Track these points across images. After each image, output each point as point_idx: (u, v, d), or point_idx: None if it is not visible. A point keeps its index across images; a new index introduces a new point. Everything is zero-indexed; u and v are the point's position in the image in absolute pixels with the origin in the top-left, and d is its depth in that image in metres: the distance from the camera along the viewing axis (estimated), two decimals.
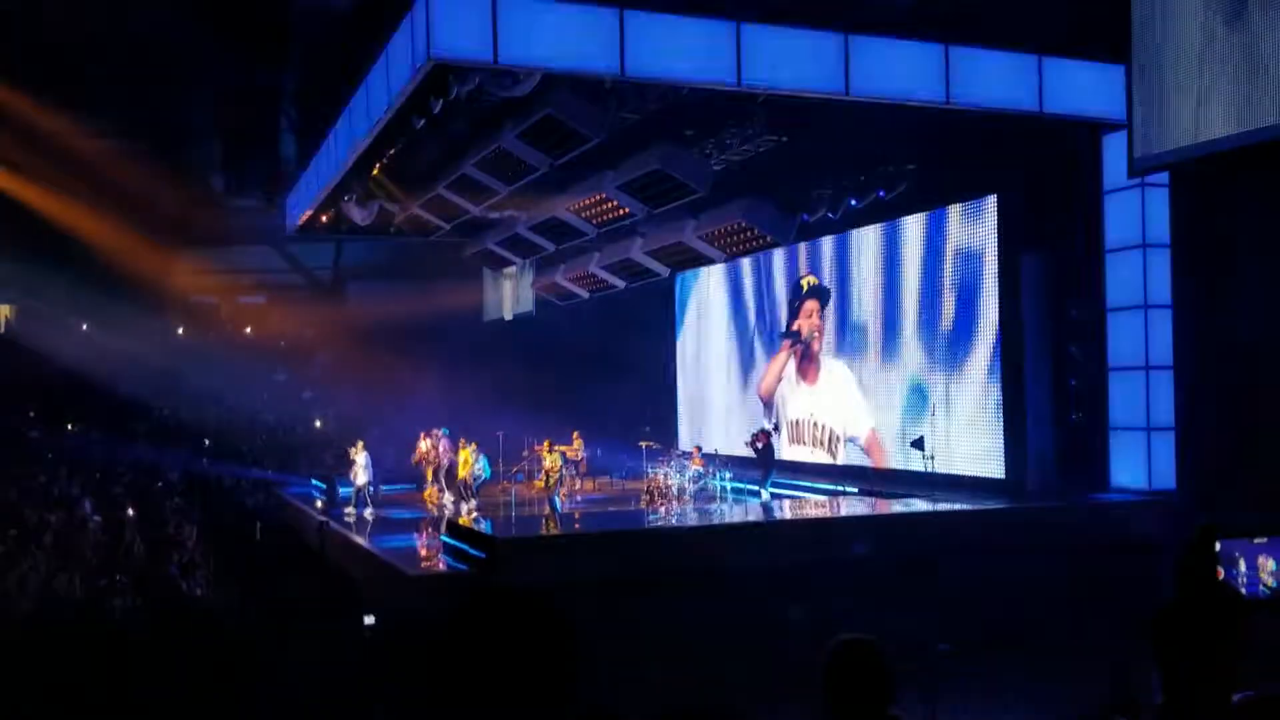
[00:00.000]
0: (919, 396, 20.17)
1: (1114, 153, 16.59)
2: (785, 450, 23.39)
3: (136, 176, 30.75)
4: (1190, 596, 1.33)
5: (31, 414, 32.03)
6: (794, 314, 24.03)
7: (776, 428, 22.89)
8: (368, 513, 20.73)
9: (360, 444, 22.07)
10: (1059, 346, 18.12)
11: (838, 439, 22.58)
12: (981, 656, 12.47)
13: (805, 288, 23.67)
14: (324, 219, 25.89)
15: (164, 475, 28.59)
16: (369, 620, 13.99)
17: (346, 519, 20.35)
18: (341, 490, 21.63)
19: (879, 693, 2.94)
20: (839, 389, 22.51)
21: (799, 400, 23.89)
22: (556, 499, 19.01)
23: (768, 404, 25.02)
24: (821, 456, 23.00)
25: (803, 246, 23.42)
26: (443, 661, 1.68)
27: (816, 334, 23.34)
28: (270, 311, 38.13)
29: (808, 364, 23.67)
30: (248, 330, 38.29)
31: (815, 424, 23.33)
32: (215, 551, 20.88)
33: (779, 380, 24.63)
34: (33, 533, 19.11)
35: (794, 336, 23.94)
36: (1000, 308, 18.38)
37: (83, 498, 24.59)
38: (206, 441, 31.52)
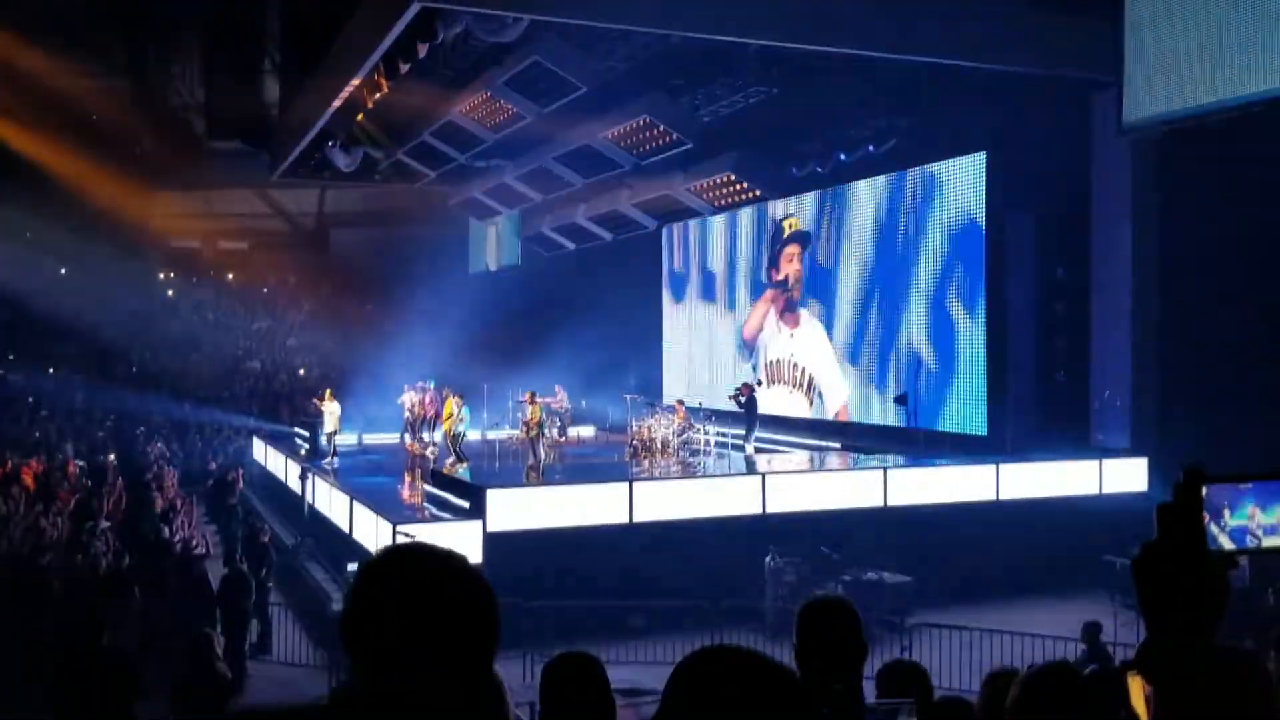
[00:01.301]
0: (904, 352, 20.23)
1: (1104, 112, 16.54)
2: (764, 390, 23.61)
3: (117, 117, 30.31)
4: (1174, 539, 1.34)
5: (11, 357, 31.79)
6: (775, 258, 24.12)
7: (760, 382, 22.96)
8: (326, 462, 20.74)
9: (328, 393, 22.04)
10: (1044, 305, 18.18)
11: (816, 385, 22.83)
12: (960, 609, 12.65)
13: (787, 230, 23.75)
14: (307, 164, 25.59)
15: (146, 420, 28.51)
16: (352, 567, 14.05)
17: (328, 467, 20.36)
18: (304, 439, 21.71)
19: (850, 654, 2.96)
20: (819, 336, 22.82)
21: (779, 342, 24.24)
22: (540, 450, 19.04)
23: (751, 347, 25.29)
24: (799, 399, 23.22)
25: (790, 200, 23.34)
26: (352, 626, 1.61)
27: (796, 279, 23.48)
28: (253, 257, 37.81)
29: (789, 311, 23.91)
30: (230, 276, 37.99)
31: (795, 365, 23.67)
32: (197, 497, 20.89)
33: (762, 326, 24.90)
34: (13, 475, 19.05)
35: (781, 286, 24.03)
36: (987, 264, 18.39)
37: (64, 441, 24.52)
38: (189, 387, 31.37)
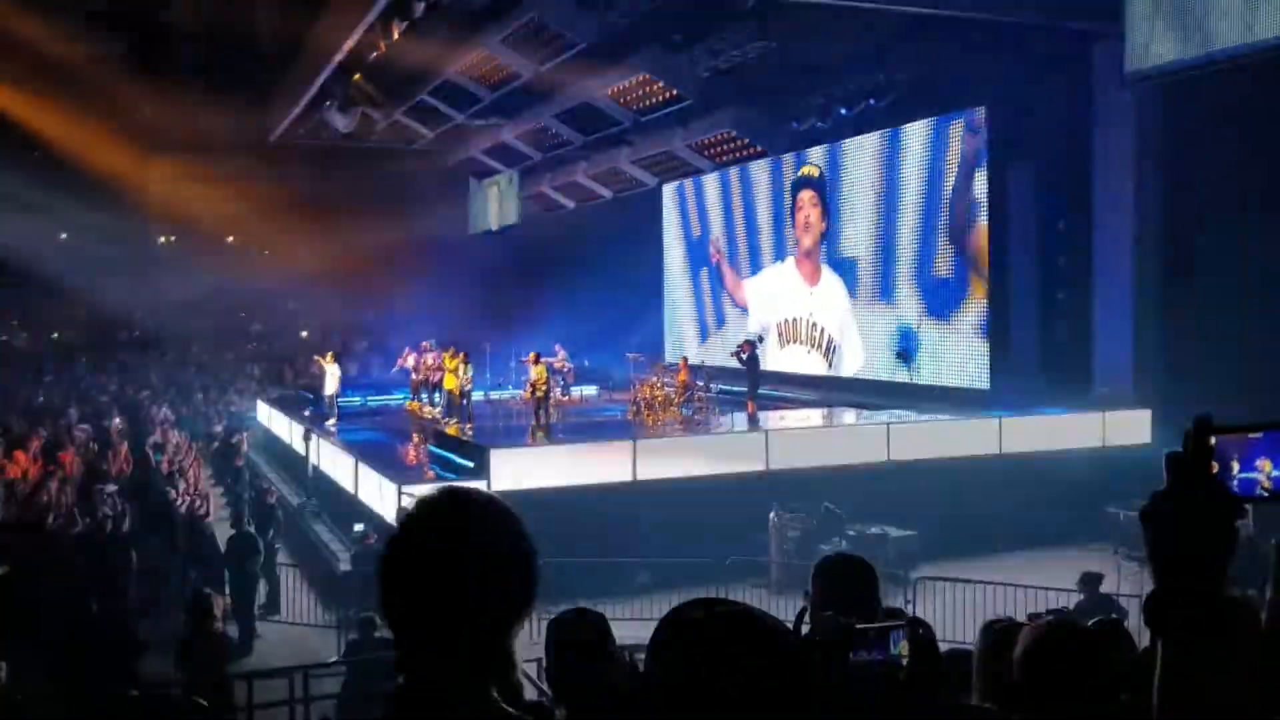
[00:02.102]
0: (906, 307, 20.19)
1: (1106, 63, 16.37)
2: (778, 350, 23.51)
3: (115, 81, 30.06)
4: (1182, 490, 1.33)
5: (15, 322, 31.82)
6: (792, 208, 23.72)
7: (761, 338, 22.91)
8: (331, 423, 20.76)
9: (330, 354, 22.06)
10: (1046, 257, 18.11)
11: (834, 346, 22.68)
12: (964, 563, 12.72)
13: (802, 175, 23.34)
14: (305, 126, 25.43)
15: (150, 384, 28.58)
16: (358, 527, 14.14)
17: (330, 428, 20.40)
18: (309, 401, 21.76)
19: (863, 609, 3.00)
20: (839, 294, 22.54)
21: (797, 299, 23.77)
22: (544, 410, 19.05)
23: (743, 308, 25.05)
24: (816, 359, 23.09)
25: (791, 156, 23.16)
26: (392, 573, 1.59)
27: (809, 225, 23.11)
28: (252, 220, 37.62)
29: (807, 262, 23.53)
30: (229, 239, 37.88)
31: (814, 324, 23.30)
32: (202, 460, 20.97)
33: (777, 282, 24.47)
34: (20, 440, 19.12)
35: (795, 243, 23.85)
36: (989, 217, 18.30)
37: (68, 406, 24.58)
38: (192, 350, 31.42)
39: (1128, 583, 10.61)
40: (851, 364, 22.02)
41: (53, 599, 10.62)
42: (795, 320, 23.76)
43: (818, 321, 23.09)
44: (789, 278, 23.99)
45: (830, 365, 22.67)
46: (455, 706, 1.54)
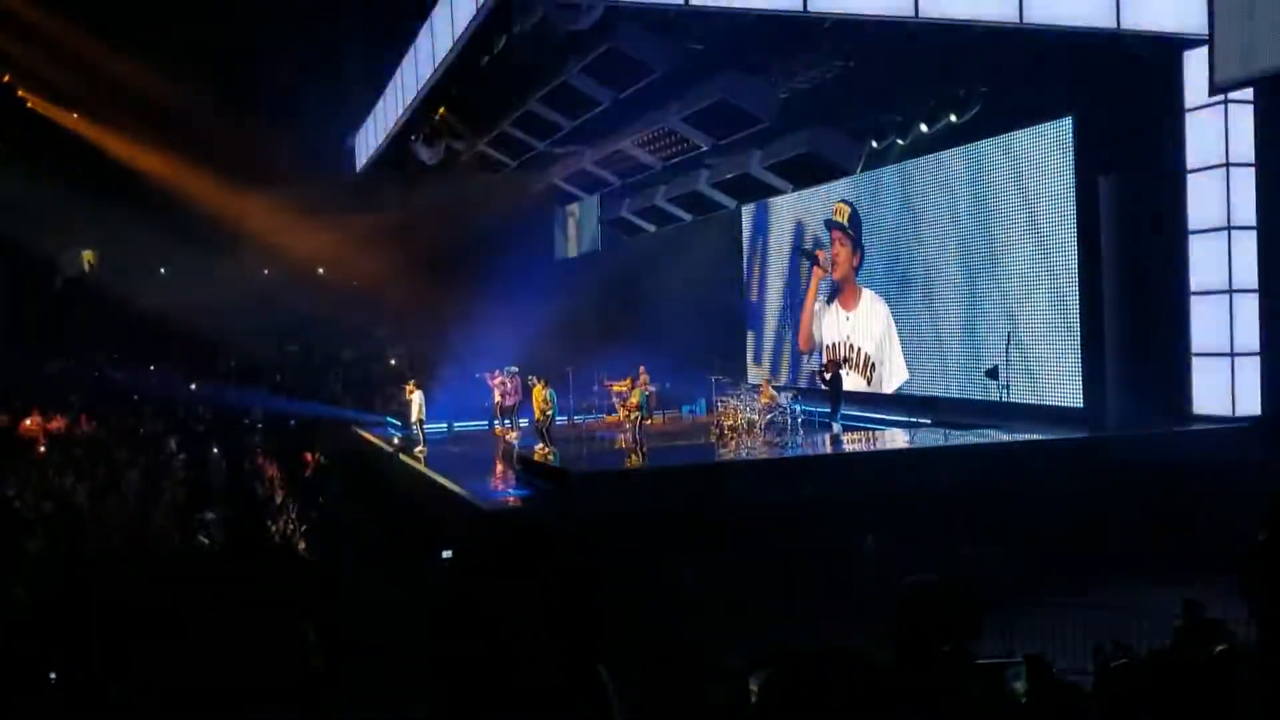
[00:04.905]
0: (994, 324, 19.84)
1: (1195, 69, 15.96)
2: (848, 373, 23.65)
3: (208, 119, 31.19)
4: None
5: (116, 355, 33.01)
6: (828, 243, 24.84)
7: (847, 359, 22.75)
8: (419, 449, 21.12)
9: (413, 383, 22.50)
10: (1139, 271, 17.61)
11: (874, 366, 22.91)
12: (1058, 587, 12.41)
13: (835, 216, 24.33)
14: (392, 158, 26.01)
15: (246, 413, 29.37)
16: (446, 555, 14.32)
17: (418, 454, 20.75)
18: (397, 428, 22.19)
19: (952, 631, 2.95)
20: (881, 317, 22.84)
21: (834, 325, 24.47)
22: (636, 432, 19.14)
23: (809, 352, 25.47)
24: (857, 380, 23.30)
25: (870, 175, 22.97)
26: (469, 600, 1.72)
27: (847, 263, 23.85)
28: (342, 251, 38.56)
29: (839, 294, 24.32)
30: (320, 270, 38.83)
31: (851, 346, 23.79)
32: (296, 489, 21.45)
33: (814, 312, 25.28)
34: (121, 470, 19.82)
35: (810, 258, 24.84)
36: (1077, 232, 17.90)
37: (167, 436, 25.39)
38: (285, 380, 32.21)
39: (1235, 609, 10.22)
40: (892, 382, 22.40)
41: (154, 622, 10.95)
42: (834, 345, 24.33)
43: (855, 343, 23.69)
44: (821, 306, 24.90)
45: (869, 384, 23.02)
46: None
